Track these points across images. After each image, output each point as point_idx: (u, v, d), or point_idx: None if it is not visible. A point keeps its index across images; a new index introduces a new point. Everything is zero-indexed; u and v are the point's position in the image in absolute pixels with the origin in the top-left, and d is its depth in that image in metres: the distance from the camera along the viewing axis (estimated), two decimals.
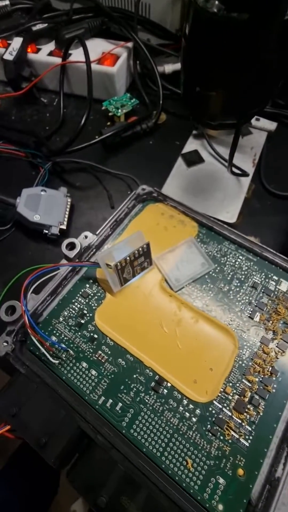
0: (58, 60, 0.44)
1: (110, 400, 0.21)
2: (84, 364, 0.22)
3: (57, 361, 0.22)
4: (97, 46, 0.46)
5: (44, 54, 0.46)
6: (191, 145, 0.40)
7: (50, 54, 0.46)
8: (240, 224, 0.34)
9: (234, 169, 0.35)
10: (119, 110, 0.43)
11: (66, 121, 0.47)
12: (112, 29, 0.48)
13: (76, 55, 0.45)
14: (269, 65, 0.19)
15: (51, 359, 0.22)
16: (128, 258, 0.24)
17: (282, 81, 0.23)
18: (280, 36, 0.18)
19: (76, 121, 0.46)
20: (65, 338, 0.24)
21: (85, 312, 0.25)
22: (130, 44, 0.46)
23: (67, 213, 0.35)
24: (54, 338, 0.24)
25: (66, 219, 0.35)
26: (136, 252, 0.24)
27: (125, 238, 0.26)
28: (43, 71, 0.46)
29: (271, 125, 0.40)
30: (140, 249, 0.24)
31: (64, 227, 0.34)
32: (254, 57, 0.18)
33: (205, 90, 0.22)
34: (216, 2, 0.18)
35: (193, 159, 0.38)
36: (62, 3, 0.57)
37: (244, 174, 0.35)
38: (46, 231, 0.34)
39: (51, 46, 0.47)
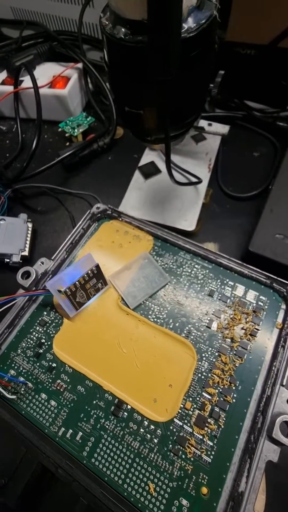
0: (10, 88, 0.45)
1: (70, 431, 0.21)
2: (43, 396, 0.22)
3: (14, 397, 0.22)
4: (48, 70, 0.47)
5: None
6: (148, 157, 0.40)
7: (3, 83, 0.47)
8: (200, 230, 0.34)
9: (185, 181, 0.35)
10: (76, 130, 0.44)
11: (26, 146, 0.47)
12: (62, 52, 0.49)
13: (28, 81, 0.45)
14: (183, 82, 0.20)
15: (8, 395, 0.22)
16: (77, 282, 0.24)
17: (207, 97, 0.23)
18: (185, 53, 0.18)
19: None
20: (23, 370, 0.23)
21: (43, 341, 0.24)
22: (80, 65, 0.47)
23: (28, 239, 0.35)
24: (12, 372, 0.23)
25: (27, 246, 0.35)
26: (85, 275, 0.24)
27: (75, 262, 0.26)
28: None
29: (224, 129, 0.41)
30: (90, 271, 0.24)
31: (26, 253, 0.34)
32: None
33: (132, 109, 0.22)
34: (122, 29, 0.18)
35: (150, 171, 0.39)
36: (12, 30, 0.58)
37: (195, 182, 0.35)
38: (8, 260, 0.33)
39: (3, 75, 0.48)
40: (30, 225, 0.36)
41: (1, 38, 0.56)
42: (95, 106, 0.47)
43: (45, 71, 0.46)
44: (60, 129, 0.45)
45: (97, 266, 0.24)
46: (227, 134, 0.40)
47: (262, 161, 0.40)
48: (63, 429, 0.21)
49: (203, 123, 0.41)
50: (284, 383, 0.21)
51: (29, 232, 0.36)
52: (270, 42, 0.40)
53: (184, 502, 0.18)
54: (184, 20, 0.18)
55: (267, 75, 0.43)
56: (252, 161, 0.40)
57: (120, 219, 0.31)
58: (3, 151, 0.47)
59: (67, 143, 0.46)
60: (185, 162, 0.38)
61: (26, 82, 0.46)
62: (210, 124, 0.41)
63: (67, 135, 0.44)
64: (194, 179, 0.36)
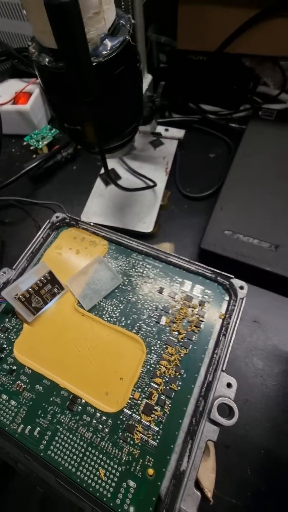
0: None
1: (29, 427, 0.22)
2: (4, 396, 0.24)
3: None
4: (11, 87, 0.48)
5: None
6: (109, 164, 0.42)
7: None
8: (157, 232, 0.36)
9: (144, 183, 0.37)
10: (40, 143, 0.46)
11: None
12: (23, 69, 0.51)
13: None
14: (108, 100, 0.21)
15: None
16: (31, 289, 0.25)
17: (151, 107, 0.25)
18: (104, 76, 0.20)
19: (3, 160, 0.48)
20: None
21: (4, 346, 0.26)
22: None
23: None
24: None
25: None
26: (39, 281, 0.25)
27: (29, 270, 0.28)
28: None
29: (180, 133, 0.43)
30: (43, 278, 0.26)
31: None
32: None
33: (69, 125, 0.24)
34: (46, 57, 0.20)
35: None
36: None
37: (147, 187, 0.37)
38: None
39: None
40: None
41: None
42: None
43: (8, 88, 0.48)
44: (25, 143, 0.46)
45: (50, 272, 0.26)
46: (183, 137, 0.42)
47: (218, 162, 0.42)
48: (22, 426, 0.22)
49: (160, 129, 0.43)
50: (224, 369, 0.23)
51: None
52: (217, 49, 0.42)
53: (132, 483, 0.20)
54: (97, 47, 0.19)
55: (219, 79, 0.45)
56: (208, 162, 0.42)
57: (78, 227, 0.32)
58: None
59: (34, 156, 0.48)
60: (143, 167, 0.40)
61: None
62: (167, 130, 0.43)
63: (32, 148, 0.46)
64: (149, 182, 0.38)
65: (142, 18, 0.32)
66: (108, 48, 0.19)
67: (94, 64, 0.19)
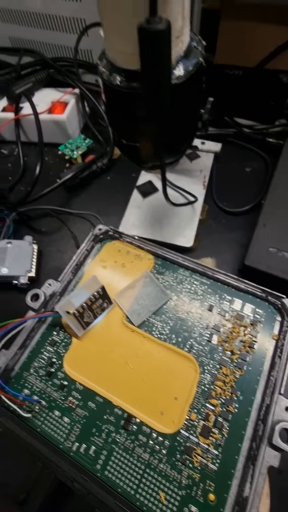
0: (11, 115, 0.47)
1: (84, 445, 0.22)
2: (57, 413, 0.24)
3: (29, 415, 0.23)
4: (47, 96, 0.49)
5: None
6: (145, 176, 0.42)
7: (3, 110, 0.49)
8: (197, 246, 0.36)
9: (181, 198, 0.37)
10: (75, 153, 0.46)
11: (28, 169, 0.49)
12: (59, 79, 0.51)
13: (28, 107, 0.48)
14: (174, 120, 0.22)
15: (23, 414, 0.23)
16: (85, 304, 0.25)
17: (199, 122, 0.25)
18: (175, 96, 0.20)
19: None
20: (36, 389, 0.25)
21: (54, 360, 0.26)
22: (77, 90, 0.49)
23: (34, 260, 0.37)
24: (26, 391, 0.25)
25: (34, 267, 0.36)
26: (92, 297, 0.25)
27: (81, 284, 0.28)
28: None
29: (216, 147, 0.43)
30: (96, 293, 0.26)
31: (33, 274, 0.36)
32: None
33: (128, 142, 0.24)
34: (118, 77, 0.20)
35: (148, 189, 0.41)
36: (10, 56, 0.61)
37: (190, 202, 0.37)
38: (16, 282, 0.35)
39: (3, 102, 0.50)
40: (35, 246, 0.38)
41: (0, 64, 0.58)
42: (92, 128, 0.49)
43: (44, 97, 0.49)
44: (60, 152, 0.47)
45: (103, 288, 0.26)
46: (219, 151, 0.43)
47: (254, 176, 0.42)
48: (76, 444, 0.22)
49: (196, 141, 0.43)
50: (282, 392, 0.23)
51: (35, 253, 0.38)
52: (257, 65, 0.42)
53: (193, 509, 0.20)
54: (173, 68, 0.20)
55: (255, 93, 0.45)
56: (245, 176, 0.42)
57: (122, 240, 0.32)
58: (5, 175, 0.49)
59: (67, 165, 0.48)
60: (180, 180, 0.40)
61: (26, 108, 0.48)
62: (203, 143, 0.43)
63: (67, 157, 0.47)
64: (189, 196, 0.38)
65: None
66: (183, 71, 0.20)
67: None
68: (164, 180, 0.26)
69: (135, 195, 0.41)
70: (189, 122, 0.24)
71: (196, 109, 0.24)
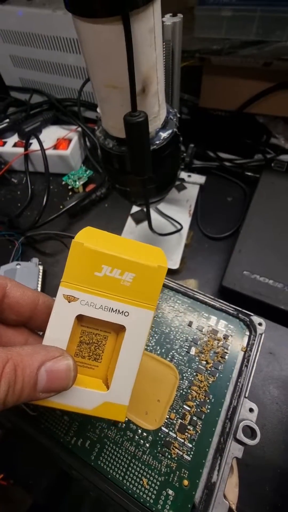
0: (21, 150, 0.53)
1: (81, 439, 0.27)
2: (58, 412, 0.28)
3: (35, 414, 0.28)
4: (53, 133, 0.56)
5: (9, 146, 0.55)
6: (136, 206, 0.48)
7: (15, 145, 0.55)
8: (183, 268, 0.41)
9: (169, 225, 0.43)
10: (77, 183, 0.52)
11: (35, 196, 0.55)
12: (64, 119, 0.58)
13: (36, 143, 0.54)
14: (157, 173, 0.27)
15: (30, 413, 0.28)
16: None
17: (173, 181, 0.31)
18: (155, 157, 0.26)
19: (43, 195, 0.54)
20: None
21: None
22: (79, 128, 0.56)
23: (39, 280, 0.42)
24: None
25: (39, 286, 0.42)
26: None
27: None
28: (10, 159, 0.55)
29: (201, 179, 0.49)
30: None
31: None
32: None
33: (120, 187, 0.30)
34: (111, 142, 0.26)
35: (140, 217, 0.46)
36: (20, 94, 0.68)
37: (176, 231, 0.42)
38: None
39: (15, 138, 0.56)
40: (41, 267, 0.43)
41: (11, 101, 0.65)
42: (92, 161, 0.56)
43: (50, 134, 0.55)
44: (63, 182, 0.53)
45: None
46: (204, 183, 0.48)
47: (235, 205, 0.48)
48: (74, 438, 0.27)
49: (183, 174, 0.49)
50: (246, 395, 0.27)
51: (40, 274, 0.43)
52: (238, 108, 0.48)
53: (170, 492, 0.24)
54: (153, 137, 0.25)
55: (235, 132, 0.52)
56: (226, 205, 0.48)
57: None
58: (15, 201, 0.55)
59: (70, 193, 0.54)
60: (169, 209, 0.46)
61: (35, 144, 0.54)
62: (189, 176, 0.49)
63: (70, 187, 0.52)
64: (176, 224, 0.43)
65: (179, 88, 0.38)
66: (161, 139, 0.25)
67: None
68: (149, 216, 0.31)
69: (129, 221, 0.46)
70: (170, 172, 0.30)
71: (175, 162, 0.30)
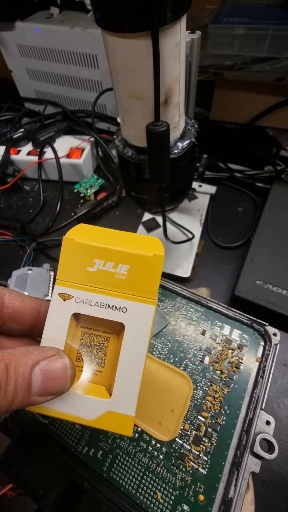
0: (35, 158, 0.55)
1: (92, 449, 0.26)
2: None
3: (47, 421, 0.27)
4: (66, 143, 0.57)
5: (23, 154, 0.56)
6: (149, 214, 0.48)
7: (29, 154, 0.56)
8: (194, 276, 0.41)
9: (181, 234, 0.43)
10: (89, 191, 0.53)
11: (46, 203, 0.56)
12: (77, 129, 0.59)
13: (50, 152, 0.55)
14: (174, 181, 0.28)
15: (42, 420, 0.27)
16: None
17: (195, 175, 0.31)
18: (174, 166, 0.26)
19: (54, 203, 0.54)
20: None
21: None
22: (92, 138, 0.57)
23: (51, 285, 0.42)
24: None
25: (50, 291, 0.42)
26: None
27: None
28: (24, 167, 0.56)
29: (211, 189, 0.49)
30: None
31: (49, 298, 0.41)
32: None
33: (137, 195, 0.30)
34: (130, 151, 0.27)
35: (151, 225, 0.46)
36: (34, 105, 0.70)
37: (188, 239, 0.42)
38: None
39: (29, 147, 0.58)
40: (52, 273, 0.43)
41: (25, 112, 0.67)
42: (104, 170, 0.56)
43: (64, 143, 0.56)
44: (75, 190, 0.54)
45: None
46: (214, 193, 0.49)
47: (245, 215, 0.48)
48: (86, 448, 0.26)
49: (194, 184, 0.50)
50: (263, 407, 0.26)
51: (51, 279, 0.43)
52: (248, 121, 0.49)
53: (185, 507, 0.23)
54: (172, 146, 0.26)
55: (245, 144, 0.53)
56: (237, 215, 0.48)
57: None
58: (27, 208, 0.55)
59: (81, 201, 0.55)
60: (180, 218, 0.46)
61: (48, 152, 0.56)
62: (200, 186, 0.49)
63: (81, 195, 0.53)
64: (187, 233, 0.43)
65: (194, 101, 0.39)
66: (180, 148, 0.26)
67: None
68: (164, 223, 0.31)
69: (141, 229, 0.47)
70: (186, 181, 0.30)
71: (191, 171, 0.30)
